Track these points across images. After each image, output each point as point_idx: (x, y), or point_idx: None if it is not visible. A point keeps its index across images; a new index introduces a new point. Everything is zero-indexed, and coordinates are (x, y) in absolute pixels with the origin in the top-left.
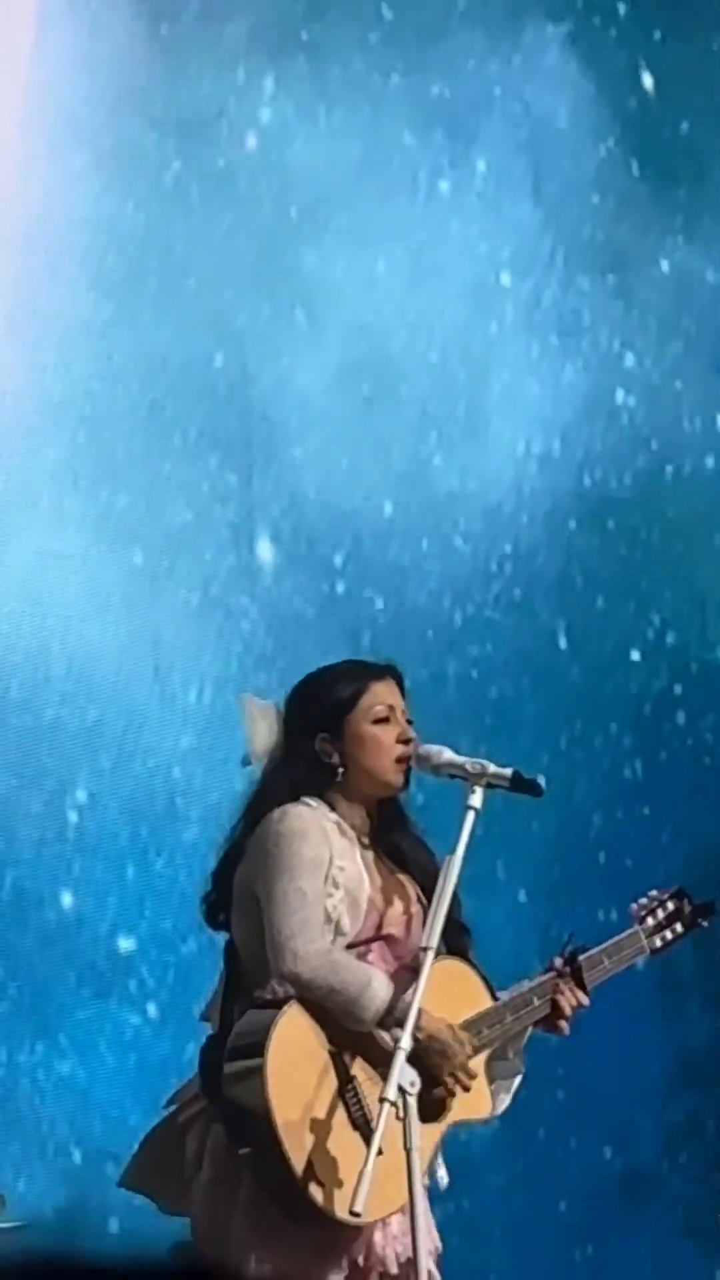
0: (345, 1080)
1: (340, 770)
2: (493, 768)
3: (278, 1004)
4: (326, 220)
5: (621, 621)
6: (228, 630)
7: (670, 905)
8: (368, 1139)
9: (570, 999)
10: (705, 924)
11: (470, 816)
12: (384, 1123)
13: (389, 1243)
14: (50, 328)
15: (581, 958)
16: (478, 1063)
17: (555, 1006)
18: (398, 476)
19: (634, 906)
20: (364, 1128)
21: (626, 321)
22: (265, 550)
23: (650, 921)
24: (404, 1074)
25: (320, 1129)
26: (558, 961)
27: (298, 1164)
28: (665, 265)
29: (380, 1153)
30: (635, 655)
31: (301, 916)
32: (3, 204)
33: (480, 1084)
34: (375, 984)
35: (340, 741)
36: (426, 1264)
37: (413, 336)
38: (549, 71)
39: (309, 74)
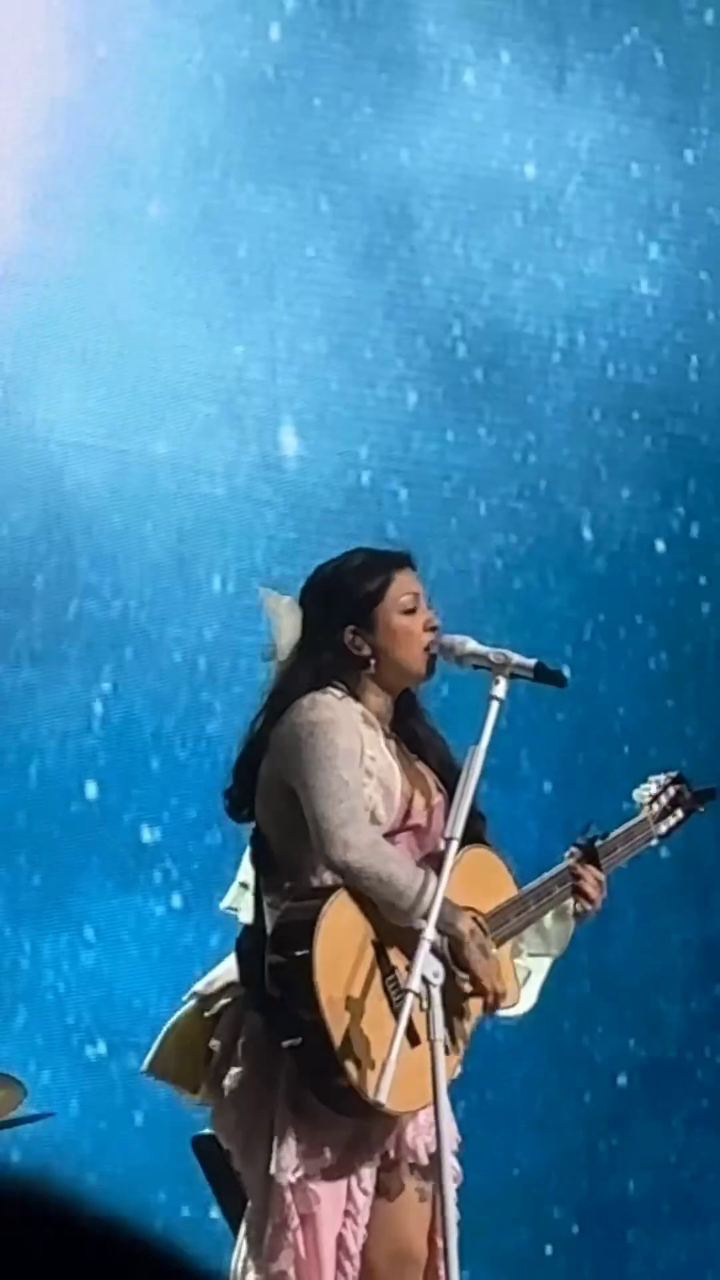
0: (387, 971)
1: (372, 662)
2: (516, 658)
3: (322, 894)
4: (350, 111)
5: (646, 513)
6: (252, 522)
7: (671, 791)
8: (406, 1031)
9: (591, 879)
10: (702, 809)
11: (494, 707)
12: (407, 1013)
13: (419, 1134)
14: (75, 216)
15: (599, 844)
16: (505, 952)
17: (580, 891)
18: (422, 368)
19: (637, 793)
20: None
21: (650, 213)
22: (289, 442)
23: (655, 807)
24: (428, 965)
25: (366, 1020)
26: (574, 848)
27: (344, 1055)
28: (689, 156)
29: (417, 1043)
30: (660, 546)
31: (349, 805)
32: (27, 94)
33: (509, 976)
34: (422, 877)
35: (372, 634)
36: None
37: (437, 227)
38: None
39: None
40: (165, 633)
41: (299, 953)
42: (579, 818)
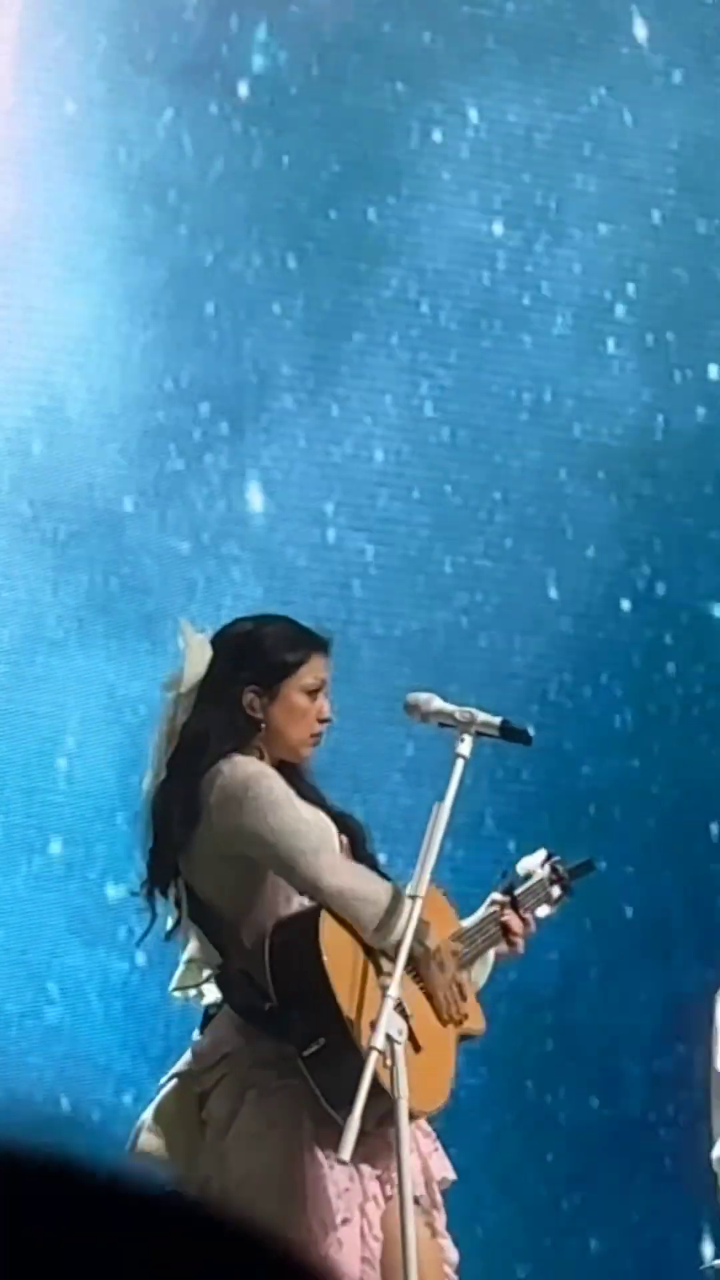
0: (380, 972)
1: (263, 727)
2: (482, 716)
3: (307, 913)
4: (318, 168)
5: (612, 571)
6: (218, 578)
7: (546, 869)
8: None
9: (517, 921)
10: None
11: (459, 765)
12: (370, 1071)
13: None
14: (42, 273)
15: (516, 891)
16: (463, 977)
17: (506, 929)
18: (388, 425)
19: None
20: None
21: (618, 272)
22: (256, 498)
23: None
24: (392, 1023)
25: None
26: (498, 894)
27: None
28: (656, 215)
29: (419, 1049)
30: (625, 605)
31: (317, 834)
32: None
33: (473, 1000)
34: (389, 893)
35: (271, 703)
36: (425, 1194)
37: (404, 286)
38: (542, 20)
39: (301, 22)
40: (131, 689)
41: (309, 957)
42: None
